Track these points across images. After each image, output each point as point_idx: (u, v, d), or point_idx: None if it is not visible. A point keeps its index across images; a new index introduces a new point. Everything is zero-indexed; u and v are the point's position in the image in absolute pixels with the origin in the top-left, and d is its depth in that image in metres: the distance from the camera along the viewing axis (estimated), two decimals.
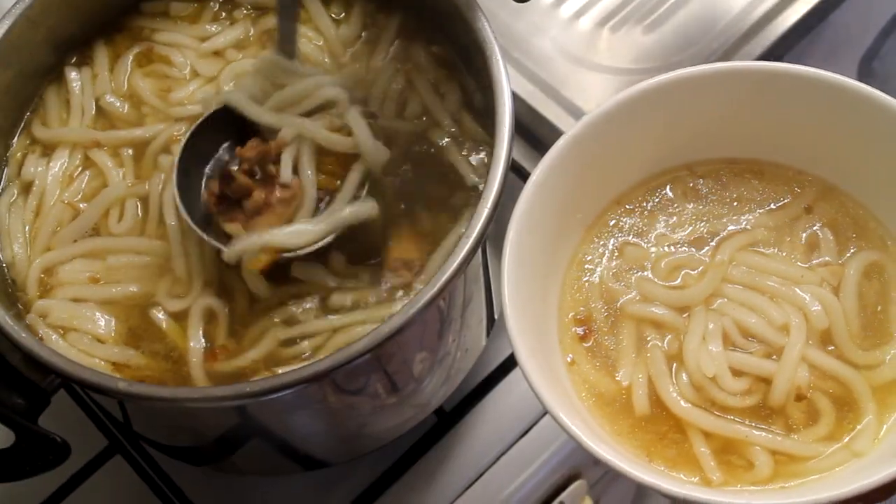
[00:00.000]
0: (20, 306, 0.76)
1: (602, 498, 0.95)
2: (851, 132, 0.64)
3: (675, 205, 0.68)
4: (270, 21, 0.86)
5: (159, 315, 0.75)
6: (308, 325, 0.73)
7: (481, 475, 0.86)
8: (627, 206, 0.69)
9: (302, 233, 0.72)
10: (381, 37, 0.84)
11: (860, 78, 0.62)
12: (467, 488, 0.86)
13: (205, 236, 0.73)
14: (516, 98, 0.75)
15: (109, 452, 0.90)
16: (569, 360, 0.64)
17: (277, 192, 0.74)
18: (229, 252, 0.72)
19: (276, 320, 0.73)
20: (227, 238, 0.74)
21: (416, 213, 0.76)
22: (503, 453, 0.86)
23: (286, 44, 0.79)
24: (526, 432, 0.87)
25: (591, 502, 0.90)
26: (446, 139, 0.79)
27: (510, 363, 0.89)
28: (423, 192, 0.77)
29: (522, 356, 0.59)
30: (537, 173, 0.64)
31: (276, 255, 0.72)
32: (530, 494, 0.86)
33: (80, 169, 0.81)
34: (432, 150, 0.79)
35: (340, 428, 0.79)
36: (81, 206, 0.80)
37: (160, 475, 0.88)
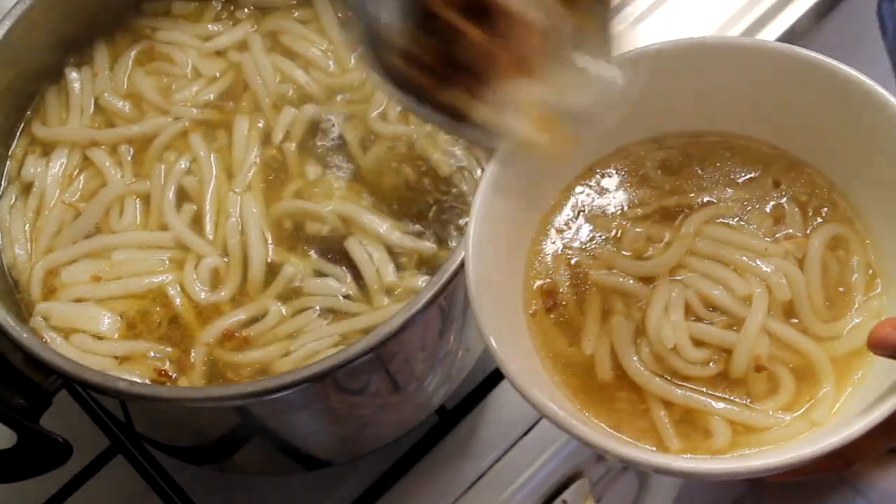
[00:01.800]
0: (23, 308, 0.76)
1: (604, 496, 0.95)
2: (825, 110, 0.64)
3: (644, 177, 0.68)
4: (274, 21, 0.86)
5: (177, 301, 0.75)
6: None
7: (483, 474, 0.86)
8: (596, 177, 0.68)
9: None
10: None
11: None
12: (469, 487, 0.86)
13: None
14: None
15: (111, 452, 0.90)
16: (534, 330, 0.64)
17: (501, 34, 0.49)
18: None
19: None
20: None
21: None
22: (505, 452, 0.86)
23: None
24: (528, 431, 0.87)
25: (593, 501, 0.90)
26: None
27: None
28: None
29: (487, 329, 0.58)
30: (503, 149, 0.63)
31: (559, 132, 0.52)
32: (532, 493, 0.86)
33: (78, 169, 0.81)
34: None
35: (342, 427, 0.79)
36: (81, 205, 0.80)
37: (162, 475, 0.88)
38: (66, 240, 0.78)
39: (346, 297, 0.75)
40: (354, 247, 0.75)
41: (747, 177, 0.68)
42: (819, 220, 0.66)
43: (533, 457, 0.86)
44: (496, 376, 0.89)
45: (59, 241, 0.78)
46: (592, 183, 0.69)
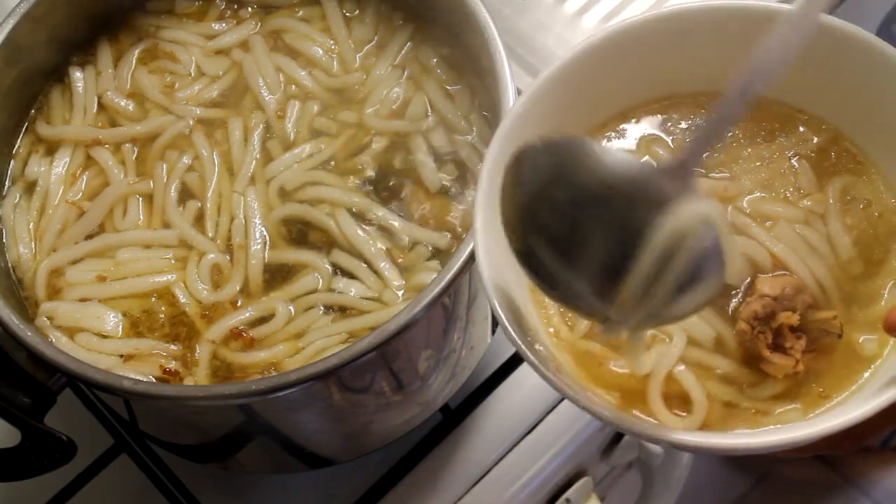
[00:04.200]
0: (28, 307, 0.76)
1: (608, 494, 0.95)
2: (829, 63, 0.63)
3: (656, 140, 0.67)
4: (277, 20, 0.86)
5: (182, 299, 0.75)
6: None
7: (487, 472, 0.86)
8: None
9: None
10: (391, 38, 0.84)
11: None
12: (473, 485, 0.86)
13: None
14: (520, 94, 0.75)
15: (115, 451, 0.90)
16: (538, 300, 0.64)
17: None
18: None
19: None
20: None
21: None
22: (509, 450, 0.86)
23: None
24: (532, 429, 0.87)
25: (597, 499, 0.90)
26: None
27: (516, 360, 0.89)
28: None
29: (498, 308, 0.58)
30: (507, 119, 0.63)
31: None
32: (536, 491, 0.86)
33: (81, 168, 0.82)
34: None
35: (345, 426, 0.79)
36: (85, 204, 0.80)
37: (166, 473, 0.88)
38: (69, 239, 0.78)
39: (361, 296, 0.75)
40: (364, 245, 0.76)
41: (762, 136, 0.67)
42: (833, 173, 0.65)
43: (536, 455, 0.86)
44: (500, 375, 0.89)
45: (63, 240, 0.78)
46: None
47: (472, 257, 0.67)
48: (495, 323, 0.84)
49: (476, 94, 0.81)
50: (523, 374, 0.88)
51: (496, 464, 0.86)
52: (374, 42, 0.85)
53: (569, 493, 0.88)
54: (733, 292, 0.62)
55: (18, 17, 0.79)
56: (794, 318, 0.59)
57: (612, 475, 0.93)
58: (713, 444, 0.57)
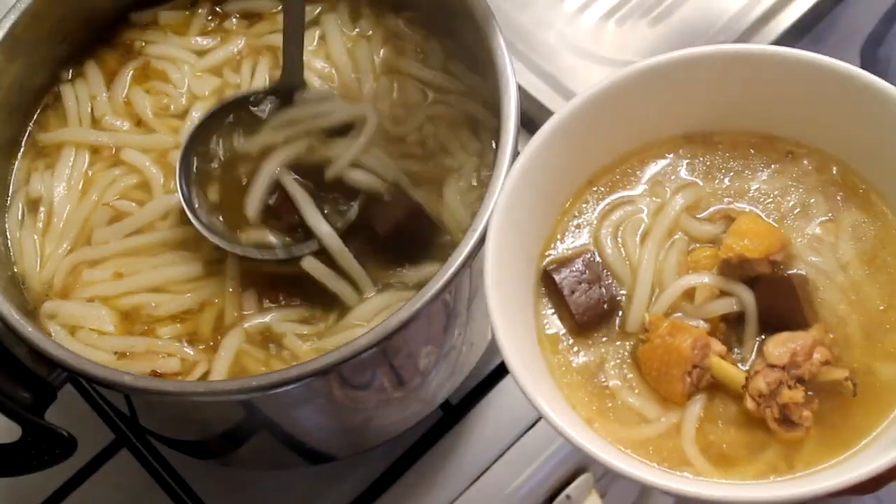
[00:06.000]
0: (31, 306, 0.77)
1: (608, 491, 0.95)
2: (833, 103, 0.64)
3: (671, 171, 0.68)
4: (263, 28, 0.85)
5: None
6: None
7: (487, 469, 0.86)
8: (602, 185, 0.68)
9: None
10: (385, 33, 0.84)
11: (863, 64, 0.63)
12: (473, 482, 0.86)
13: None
14: (521, 91, 0.75)
15: (116, 446, 0.90)
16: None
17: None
18: None
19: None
20: None
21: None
22: (509, 447, 0.86)
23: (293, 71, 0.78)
24: (532, 426, 0.87)
25: (597, 496, 0.90)
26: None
27: None
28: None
29: (503, 339, 0.59)
30: (523, 156, 0.63)
31: None
32: (536, 488, 0.86)
33: (90, 169, 0.82)
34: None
35: (346, 422, 0.79)
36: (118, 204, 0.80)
37: (166, 469, 0.88)
38: (99, 239, 0.79)
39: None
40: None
41: (770, 170, 0.67)
42: (843, 204, 0.65)
43: (537, 452, 0.86)
44: (500, 372, 0.89)
45: (96, 238, 0.79)
46: (613, 183, 0.68)
47: (472, 254, 0.67)
48: None
49: (445, 47, 0.82)
50: None
51: (497, 460, 0.86)
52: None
53: (569, 490, 0.88)
54: (738, 354, 0.62)
55: (7, 27, 0.78)
56: (798, 396, 0.59)
57: (613, 472, 0.93)
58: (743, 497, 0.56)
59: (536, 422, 0.87)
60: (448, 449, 0.87)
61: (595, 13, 0.99)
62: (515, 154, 0.70)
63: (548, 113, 0.93)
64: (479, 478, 0.86)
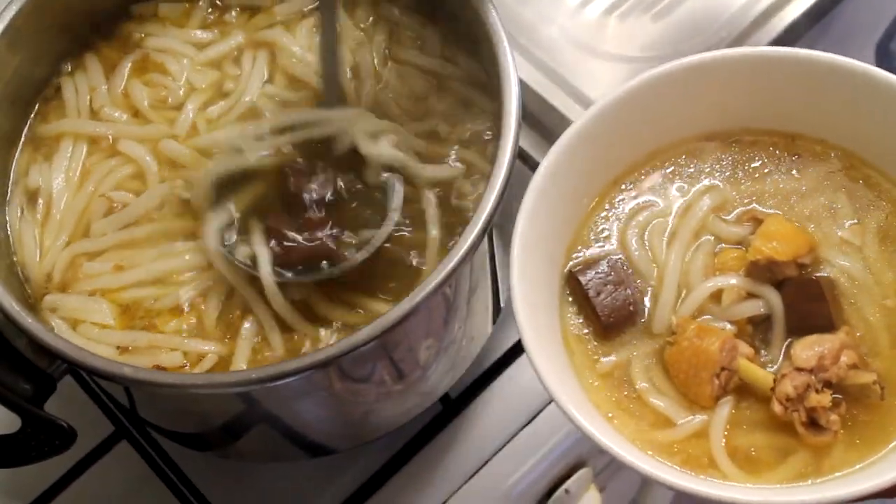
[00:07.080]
0: (32, 298, 0.76)
1: (607, 486, 0.95)
2: (855, 103, 0.64)
3: (699, 171, 0.68)
4: (262, 21, 0.85)
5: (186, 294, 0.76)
6: None
7: (486, 463, 0.86)
8: (627, 187, 0.68)
9: None
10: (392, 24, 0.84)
11: (878, 61, 0.63)
12: (472, 476, 0.86)
13: None
14: (523, 86, 0.75)
15: (115, 438, 0.90)
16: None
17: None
18: None
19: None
20: None
21: None
22: (508, 441, 0.87)
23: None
24: (531, 420, 0.87)
25: (596, 490, 0.90)
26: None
27: (516, 351, 0.89)
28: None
29: (529, 342, 0.59)
30: (549, 158, 0.64)
31: None
32: (535, 482, 0.86)
33: (89, 160, 0.81)
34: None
35: (346, 415, 0.80)
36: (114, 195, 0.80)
37: (166, 461, 0.89)
38: (97, 231, 0.78)
39: None
40: None
41: (794, 170, 0.67)
42: (868, 204, 0.65)
43: (536, 446, 0.86)
44: (500, 365, 0.89)
45: (94, 230, 0.78)
46: (638, 184, 0.68)
47: (473, 247, 0.67)
48: (496, 313, 0.84)
49: (443, 32, 0.82)
50: (524, 365, 0.88)
51: (496, 454, 0.86)
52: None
53: (568, 484, 0.88)
54: (765, 356, 0.62)
55: (8, 19, 0.78)
56: (826, 400, 0.59)
57: (612, 466, 0.93)
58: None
59: (536, 415, 0.87)
60: (447, 442, 0.87)
61: (597, 8, 0.98)
62: (517, 149, 0.70)
63: (550, 107, 0.93)
64: (478, 471, 0.86)
